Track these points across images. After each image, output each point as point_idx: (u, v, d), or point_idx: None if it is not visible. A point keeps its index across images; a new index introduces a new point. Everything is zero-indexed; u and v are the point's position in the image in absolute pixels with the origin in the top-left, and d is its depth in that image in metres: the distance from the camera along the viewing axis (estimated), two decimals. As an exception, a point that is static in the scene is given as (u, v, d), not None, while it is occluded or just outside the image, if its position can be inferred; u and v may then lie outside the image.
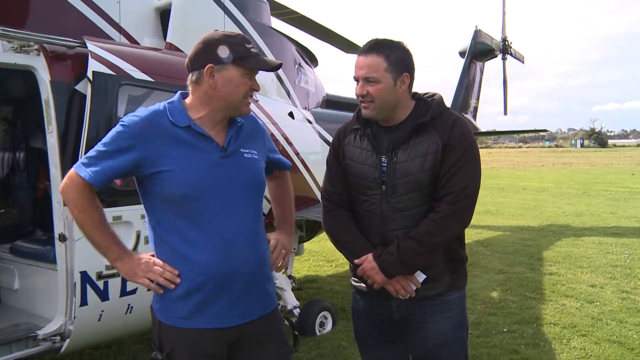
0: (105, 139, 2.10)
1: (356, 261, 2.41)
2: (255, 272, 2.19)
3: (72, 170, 2.10)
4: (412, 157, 2.35)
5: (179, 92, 2.23)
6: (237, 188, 2.14)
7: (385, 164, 2.38)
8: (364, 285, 2.51)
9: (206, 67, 2.08)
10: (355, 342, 2.79)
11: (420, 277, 2.39)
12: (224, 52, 2.08)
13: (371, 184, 2.41)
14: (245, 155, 2.21)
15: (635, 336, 5.19)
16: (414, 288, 2.39)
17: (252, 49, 2.14)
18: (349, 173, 2.48)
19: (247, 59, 2.11)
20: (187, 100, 2.19)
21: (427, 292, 2.41)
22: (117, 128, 2.10)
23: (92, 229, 2.11)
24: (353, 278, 2.61)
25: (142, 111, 2.14)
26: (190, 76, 2.15)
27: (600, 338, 5.15)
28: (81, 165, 2.08)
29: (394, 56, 2.33)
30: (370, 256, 2.37)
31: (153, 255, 2.17)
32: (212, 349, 2.14)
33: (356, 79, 2.39)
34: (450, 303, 2.47)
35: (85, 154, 3.33)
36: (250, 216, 2.20)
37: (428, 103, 2.45)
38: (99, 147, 2.10)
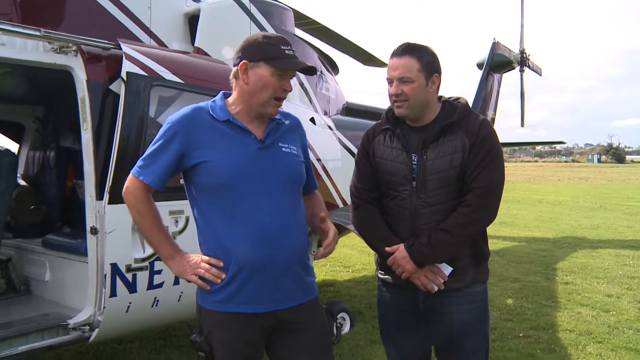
0: (154, 139, 2.25)
1: (387, 249, 2.52)
2: (290, 260, 2.24)
3: (130, 175, 2.26)
4: (441, 155, 2.48)
5: (221, 91, 2.37)
6: (273, 179, 2.23)
7: (415, 162, 2.51)
8: (389, 277, 2.62)
9: (241, 62, 2.21)
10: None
11: (447, 270, 2.50)
12: (258, 50, 2.21)
13: (402, 180, 2.53)
14: (283, 149, 2.30)
15: (652, 344, 5.21)
16: (442, 281, 2.50)
17: (286, 51, 2.23)
18: (379, 171, 2.61)
19: (278, 59, 2.20)
20: (229, 98, 2.33)
21: (453, 285, 2.52)
22: (163, 126, 2.25)
23: (150, 230, 2.27)
24: (379, 271, 2.73)
25: (184, 108, 2.29)
26: (232, 72, 2.29)
27: (617, 345, 5.17)
28: (137, 169, 2.24)
29: (425, 58, 2.48)
30: (402, 246, 2.49)
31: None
32: (249, 334, 2.22)
33: (389, 80, 2.52)
34: (474, 295, 2.58)
35: (117, 150, 3.53)
36: (287, 206, 2.25)
37: (454, 105, 2.59)
38: (149, 147, 2.25)
